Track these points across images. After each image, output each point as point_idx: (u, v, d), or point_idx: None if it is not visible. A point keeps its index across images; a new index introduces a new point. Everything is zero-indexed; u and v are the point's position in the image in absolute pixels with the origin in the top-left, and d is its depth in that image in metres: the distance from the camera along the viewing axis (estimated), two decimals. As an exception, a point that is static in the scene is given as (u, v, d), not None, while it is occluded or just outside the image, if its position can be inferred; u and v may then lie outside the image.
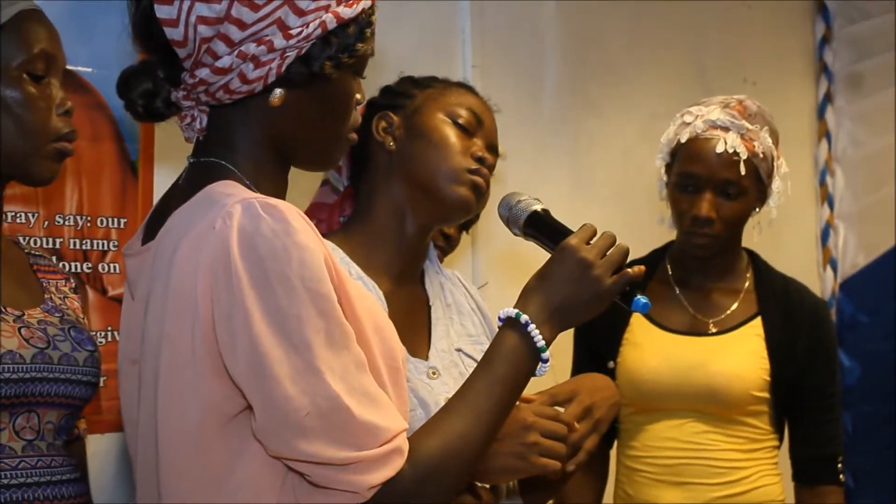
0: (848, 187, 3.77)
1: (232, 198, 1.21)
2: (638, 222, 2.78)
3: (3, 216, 1.94)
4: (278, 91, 1.27)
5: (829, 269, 3.76)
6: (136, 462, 1.33)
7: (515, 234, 1.56)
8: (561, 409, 1.60)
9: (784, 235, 3.02)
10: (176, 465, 1.22)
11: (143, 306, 1.27)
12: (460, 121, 1.73)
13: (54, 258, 2.03)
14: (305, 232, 1.19)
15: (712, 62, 3.39)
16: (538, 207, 1.53)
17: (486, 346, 1.71)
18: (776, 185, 2.21)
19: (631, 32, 3.22)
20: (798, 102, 3.72)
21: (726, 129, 2.15)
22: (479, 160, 1.72)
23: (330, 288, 1.19)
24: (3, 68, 1.56)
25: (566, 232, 1.45)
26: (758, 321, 2.23)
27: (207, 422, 1.20)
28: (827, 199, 3.80)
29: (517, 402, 1.40)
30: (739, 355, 2.19)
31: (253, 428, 1.19)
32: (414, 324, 1.72)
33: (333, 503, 1.20)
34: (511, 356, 1.35)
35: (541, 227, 1.51)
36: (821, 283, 3.71)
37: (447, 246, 2.20)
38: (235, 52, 1.24)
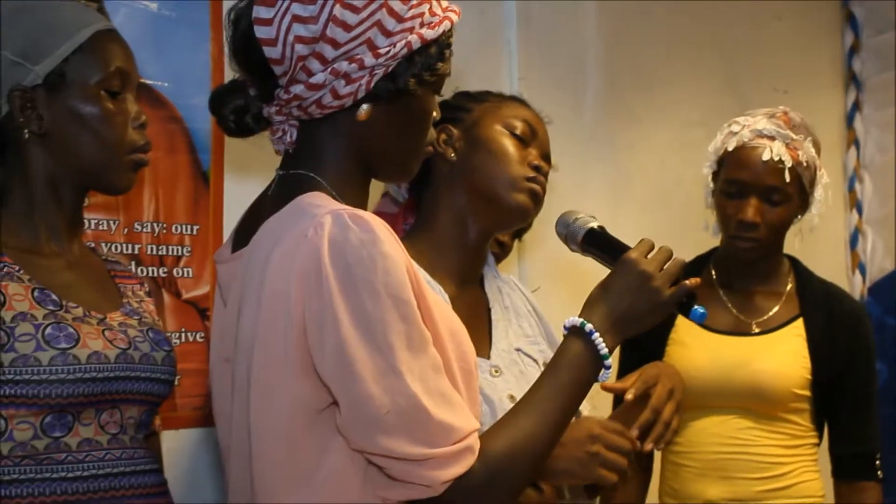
0: (876, 193, 3.77)
1: (322, 209, 1.28)
2: (674, 226, 2.81)
3: (87, 224, 2.01)
4: (365, 106, 1.34)
5: (857, 273, 3.76)
6: (228, 454, 1.39)
7: (573, 250, 1.63)
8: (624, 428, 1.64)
9: (815, 240, 3.05)
10: (268, 457, 1.28)
11: (235, 309, 1.33)
12: (517, 132, 1.79)
13: (133, 263, 2.08)
14: (390, 242, 1.26)
15: (744, 72, 3.40)
16: (595, 224, 1.60)
17: (543, 346, 1.80)
18: (818, 192, 2.27)
19: (667, 44, 3.24)
20: (827, 111, 3.72)
21: (772, 139, 2.21)
22: (536, 168, 1.78)
23: (411, 294, 1.26)
24: (82, 86, 1.61)
25: (624, 247, 1.52)
26: (799, 322, 2.27)
27: (297, 417, 1.26)
28: (856, 205, 3.81)
29: (581, 412, 1.46)
30: (782, 354, 2.24)
31: (338, 423, 1.26)
32: (476, 324, 1.76)
33: (409, 496, 1.27)
34: (576, 362, 1.40)
35: (598, 244, 1.58)
36: (850, 287, 3.70)
37: (501, 252, 2.23)
38: (329, 70, 1.31)
